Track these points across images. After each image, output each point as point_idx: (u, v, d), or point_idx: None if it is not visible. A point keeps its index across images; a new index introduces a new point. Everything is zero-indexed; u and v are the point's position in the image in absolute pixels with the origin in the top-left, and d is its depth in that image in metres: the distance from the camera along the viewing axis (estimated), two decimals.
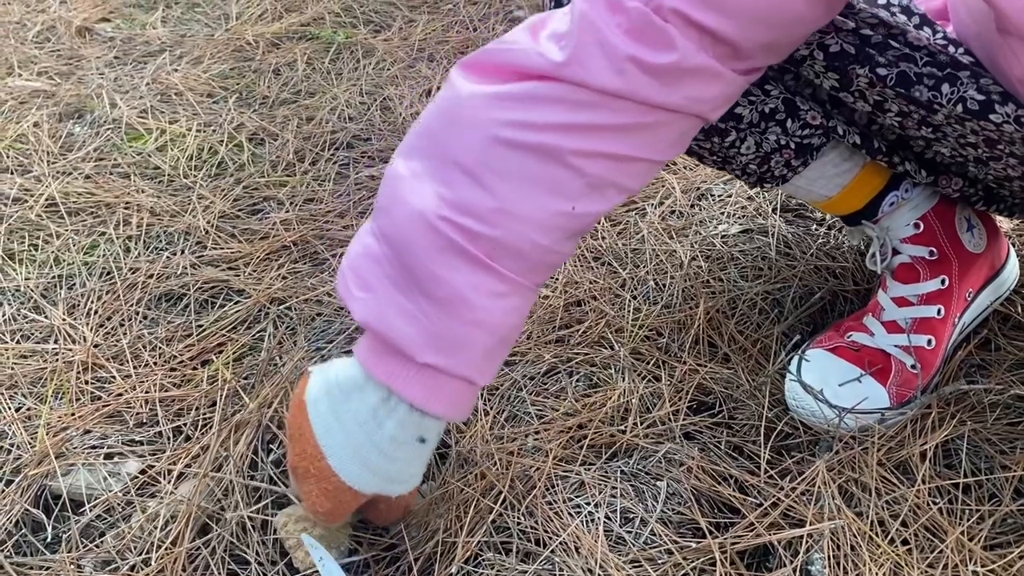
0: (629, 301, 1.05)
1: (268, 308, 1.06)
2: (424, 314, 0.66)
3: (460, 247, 0.66)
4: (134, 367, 0.98)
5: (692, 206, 1.22)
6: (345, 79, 1.56)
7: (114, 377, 0.97)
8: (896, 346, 0.93)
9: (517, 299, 0.69)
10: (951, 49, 0.77)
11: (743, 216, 1.18)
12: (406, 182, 0.67)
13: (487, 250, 0.66)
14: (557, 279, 1.09)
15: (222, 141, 1.39)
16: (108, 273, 1.12)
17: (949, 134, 0.80)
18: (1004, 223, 1.14)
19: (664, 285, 1.08)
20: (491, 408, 0.91)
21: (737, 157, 0.90)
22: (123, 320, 1.05)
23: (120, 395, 0.95)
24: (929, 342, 0.93)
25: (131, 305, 1.07)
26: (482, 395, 0.92)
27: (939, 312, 0.94)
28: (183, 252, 1.16)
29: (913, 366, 0.91)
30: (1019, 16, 0.63)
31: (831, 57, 0.78)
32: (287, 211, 1.24)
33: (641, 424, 0.89)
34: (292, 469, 0.75)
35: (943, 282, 0.95)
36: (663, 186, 1.26)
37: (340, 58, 1.64)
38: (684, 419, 0.90)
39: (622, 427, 0.89)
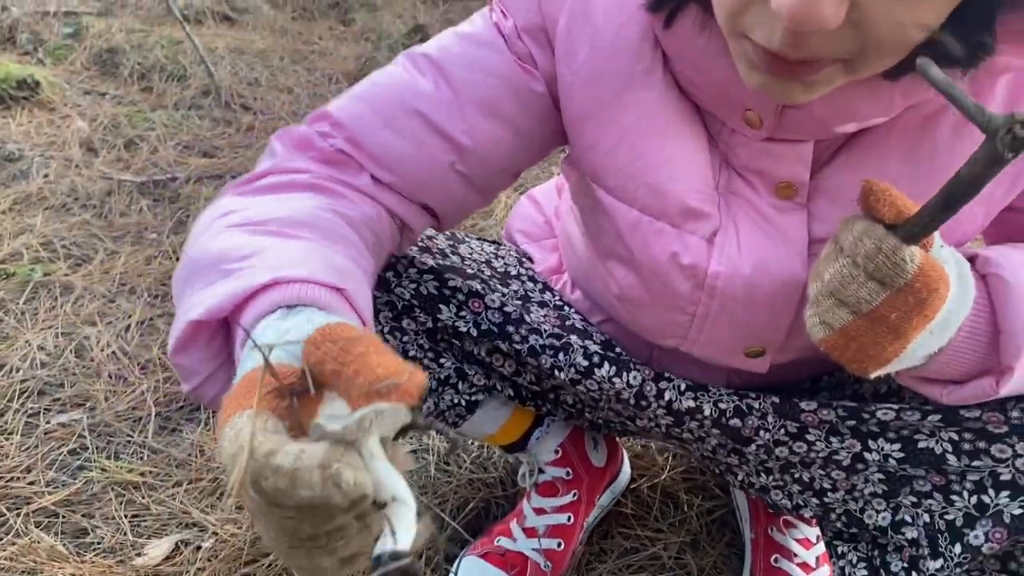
0: None
1: None
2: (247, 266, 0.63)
3: (249, 229, 0.67)
4: None
5: None
6: (40, 321, 1.59)
7: None
8: (533, 549, 1.10)
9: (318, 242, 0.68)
10: (566, 309, 0.98)
11: (411, 437, 1.34)
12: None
13: (276, 227, 0.68)
14: None
15: None
16: None
17: (568, 388, 1.01)
18: None
19: None
20: None
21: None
22: None
23: None
24: (559, 544, 1.12)
25: None
26: None
27: (569, 519, 1.13)
28: None
29: (545, 565, 1.09)
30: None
31: (482, 335, 0.95)
32: None
33: None
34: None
35: (575, 495, 1.15)
36: None
37: (36, 297, 1.66)
38: None
39: None
